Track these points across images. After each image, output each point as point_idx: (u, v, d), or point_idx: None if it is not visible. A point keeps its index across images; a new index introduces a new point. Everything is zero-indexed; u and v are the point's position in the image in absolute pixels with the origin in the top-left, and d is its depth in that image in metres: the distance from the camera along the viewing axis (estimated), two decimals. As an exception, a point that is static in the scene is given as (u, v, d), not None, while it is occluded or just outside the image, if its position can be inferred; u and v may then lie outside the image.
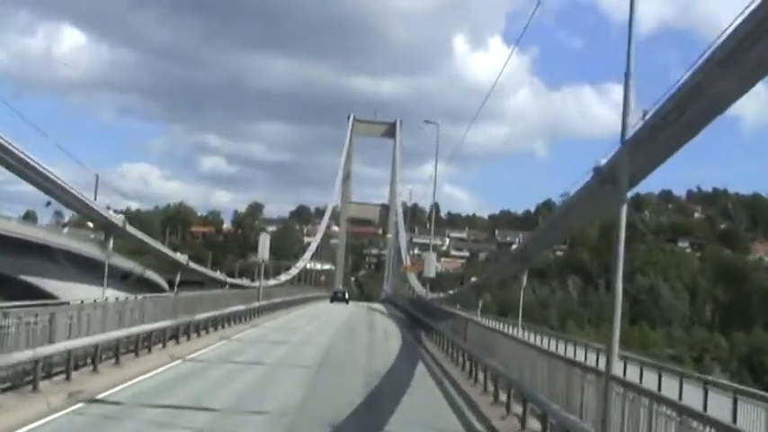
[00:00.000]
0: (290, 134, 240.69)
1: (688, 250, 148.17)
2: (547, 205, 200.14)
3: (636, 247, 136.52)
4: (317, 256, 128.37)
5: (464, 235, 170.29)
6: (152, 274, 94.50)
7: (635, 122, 14.06)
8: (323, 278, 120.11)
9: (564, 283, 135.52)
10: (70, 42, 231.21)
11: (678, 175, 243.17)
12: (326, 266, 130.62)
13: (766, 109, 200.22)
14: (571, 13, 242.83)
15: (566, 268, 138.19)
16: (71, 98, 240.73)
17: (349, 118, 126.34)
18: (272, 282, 70.32)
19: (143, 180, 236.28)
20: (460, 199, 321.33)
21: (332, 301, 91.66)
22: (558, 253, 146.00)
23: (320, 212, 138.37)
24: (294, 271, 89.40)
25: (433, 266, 56.16)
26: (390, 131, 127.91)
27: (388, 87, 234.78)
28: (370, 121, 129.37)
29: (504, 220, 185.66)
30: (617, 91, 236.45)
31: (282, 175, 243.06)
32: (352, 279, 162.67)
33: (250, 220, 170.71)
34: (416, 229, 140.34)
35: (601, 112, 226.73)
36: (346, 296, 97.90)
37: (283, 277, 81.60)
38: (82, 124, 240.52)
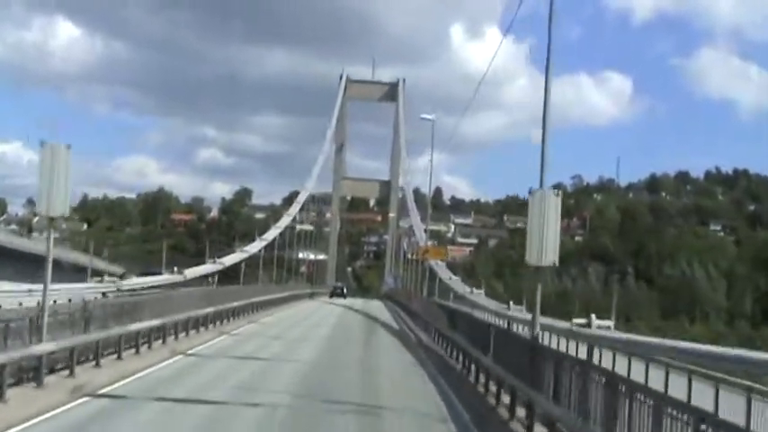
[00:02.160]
0: (286, 125, 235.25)
1: (720, 234, 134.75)
2: (557, 188, 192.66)
3: (665, 232, 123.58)
4: (310, 246, 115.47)
5: (470, 221, 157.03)
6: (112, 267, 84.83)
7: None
8: (302, 270, 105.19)
9: (584, 272, 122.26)
10: (64, 35, 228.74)
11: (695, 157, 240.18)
12: (321, 256, 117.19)
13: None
14: (569, 2, 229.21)
15: (585, 255, 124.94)
16: (66, 91, 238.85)
17: (341, 78, 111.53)
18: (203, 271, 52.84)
19: (139, 173, 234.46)
20: (460, 188, 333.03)
21: (331, 297, 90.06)
22: (577, 239, 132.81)
23: (315, 199, 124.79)
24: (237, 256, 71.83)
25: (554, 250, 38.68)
26: (391, 93, 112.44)
27: (384, 77, 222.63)
28: (366, 81, 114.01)
29: (513, 204, 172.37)
30: (614, 79, 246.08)
31: (279, 167, 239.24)
32: (349, 270, 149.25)
33: (238, 207, 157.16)
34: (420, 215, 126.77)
35: (597, 101, 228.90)
36: (344, 291, 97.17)
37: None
38: (77, 117, 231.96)
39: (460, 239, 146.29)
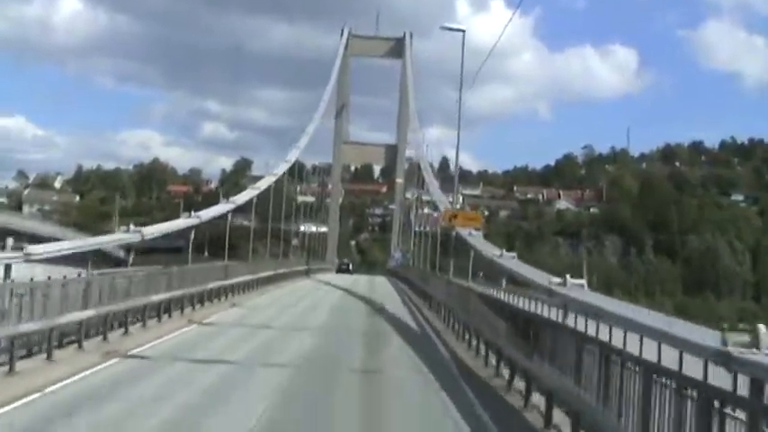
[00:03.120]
0: (290, 99, 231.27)
1: (742, 204, 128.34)
2: (568, 158, 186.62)
3: (686, 202, 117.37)
4: (312, 218, 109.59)
5: (478, 192, 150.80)
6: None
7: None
8: (294, 243, 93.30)
9: (601, 245, 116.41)
10: (67, 9, 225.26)
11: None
12: (323, 229, 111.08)
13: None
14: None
15: (602, 227, 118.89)
16: (69, 65, 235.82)
17: (343, 32, 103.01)
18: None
19: (143, 146, 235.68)
20: (466, 162, 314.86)
21: (337, 272, 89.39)
22: (593, 210, 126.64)
23: (317, 170, 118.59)
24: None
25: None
26: (397, 49, 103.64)
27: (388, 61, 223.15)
28: (370, 36, 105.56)
29: (522, 175, 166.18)
30: (619, 52, 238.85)
31: (284, 141, 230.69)
32: (353, 243, 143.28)
33: (237, 178, 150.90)
34: (425, 186, 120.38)
35: (603, 73, 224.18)
36: (350, 267, 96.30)
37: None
38: (81, 91, 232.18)
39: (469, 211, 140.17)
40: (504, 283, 29.15)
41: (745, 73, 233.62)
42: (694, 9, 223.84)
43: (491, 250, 28.21)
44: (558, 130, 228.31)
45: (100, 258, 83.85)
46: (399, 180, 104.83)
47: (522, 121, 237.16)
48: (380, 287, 62.59)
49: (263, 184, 61.28)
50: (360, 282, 68.82)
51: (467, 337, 25.27)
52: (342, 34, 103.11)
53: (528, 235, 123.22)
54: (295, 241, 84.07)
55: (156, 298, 25.87)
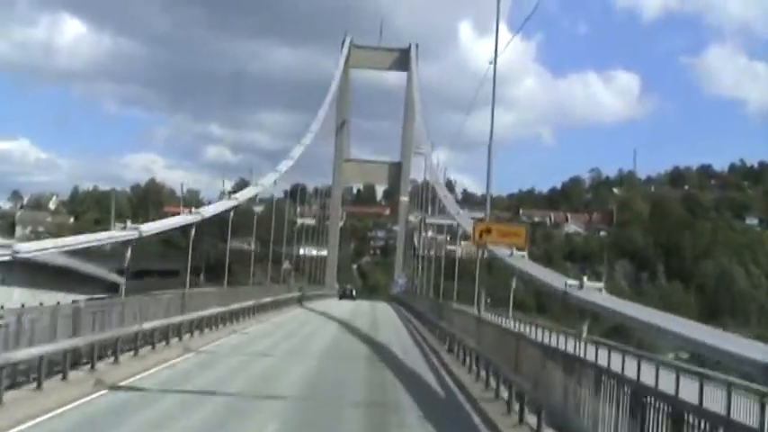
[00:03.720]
0: (294, 122, 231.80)
1: (757, 228, 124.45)
2: (574, 181, 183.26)
3: (700, 226, 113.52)
4: (313, 241, 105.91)
5: (483, 215, 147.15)
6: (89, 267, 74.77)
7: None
8: (286, 265, 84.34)
9: (611, 269, 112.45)
10: (71, 33, 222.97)
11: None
12: (323, 252, 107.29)
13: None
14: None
15: (612, 251, 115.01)
16: (73, 88, 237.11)
17: (344, 42, 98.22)
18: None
19: (146, 169, 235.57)
20: (469, 186, 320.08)
21: (340, 299, 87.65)
22: (603, 233, 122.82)
23: (319, 193, 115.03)
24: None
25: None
26: (402, 62, 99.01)
27: (392, 75, 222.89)
28: (373, 47, 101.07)
29: (528, 198, 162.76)
30: (622, 77, 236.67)
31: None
32: (354, 267, 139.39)
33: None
34: (429, 209, 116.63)
35: (605, 99, 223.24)
36: (354, 293, 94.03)
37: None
38: (85, 114, 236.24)
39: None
40: (585, 329, 21.92)
41: (749, 99, 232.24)
42: (697, 35, 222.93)
43: (550, 276, 21.49)
44: (562, 155, 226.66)
45: (90, 282, 79.94)
46: (404, 198, 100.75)
47: (525, 145, 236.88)
48: (384, 319, 55.85)
49: (246, 194, 54.32)
50: (360, 311, 63.38)
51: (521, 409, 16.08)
52: (343, 45, 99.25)
53: (536, 259, 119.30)
54: (287, 264, 77.85)
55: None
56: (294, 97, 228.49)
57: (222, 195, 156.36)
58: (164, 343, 26.11)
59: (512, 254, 23.13)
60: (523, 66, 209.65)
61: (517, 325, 37.20)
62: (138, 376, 20.13)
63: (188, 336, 29.15)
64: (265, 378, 21.94)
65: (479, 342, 23.34)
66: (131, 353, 22.80)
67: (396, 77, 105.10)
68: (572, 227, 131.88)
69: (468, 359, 25.49)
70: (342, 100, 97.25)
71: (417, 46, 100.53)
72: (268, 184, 59.28)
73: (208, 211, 43.04)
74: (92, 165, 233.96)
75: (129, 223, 29.03)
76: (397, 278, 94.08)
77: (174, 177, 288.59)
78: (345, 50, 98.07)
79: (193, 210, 38.33)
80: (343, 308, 63.97)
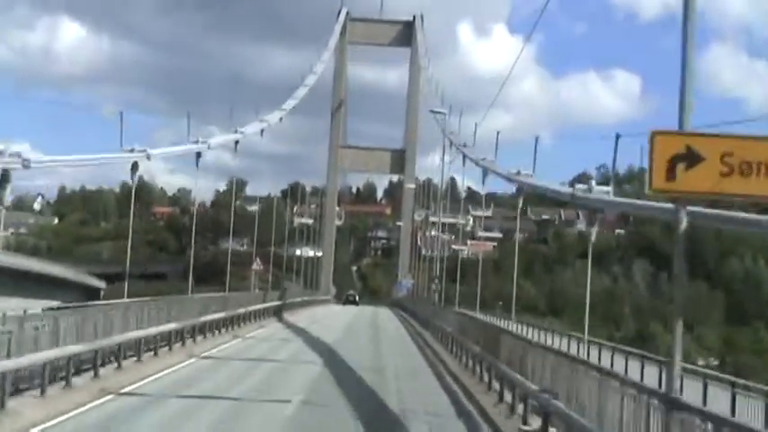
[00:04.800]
0: (294, 126, 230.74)
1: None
2: (582, 178, 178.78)
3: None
4: (310, 241, 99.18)
5: (489, 213, 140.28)
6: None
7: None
8: (255, 266, 67.12)
9: (629, 269, 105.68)
10: (70, 36, 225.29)
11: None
12: (320, 253, 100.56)
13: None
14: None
15: (629, 250, 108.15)
16: (72, 92, 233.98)
17: (339, 13, 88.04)
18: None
19: (147, 173, 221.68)
20: (470, 185, 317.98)
21: (344, 305, 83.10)
22: (619, 231, 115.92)
23: (319, 193, 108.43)
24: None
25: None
26: (404, 35, 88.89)
27: (392, 77, 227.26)
28: (371, 20, 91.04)
29: (535, 196, 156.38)
30: (621, 77, 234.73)
31: (288, 167, 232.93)
32: (354, 269, 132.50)
33: (229, 198, 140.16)
34: (433, 207, 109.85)
35: (606, 99, 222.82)
36: (357, 299, 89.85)
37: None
38: (85, 118, 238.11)
39: (481, 233, 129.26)
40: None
41: (750, 98, 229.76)
42: (698, 34, 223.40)
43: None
44: (562, 154, 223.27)
45: (65, 287, 73.04)
46: (410, 186, 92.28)
47: (525, 146, 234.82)
48: (389, 337, 42.65)
49: (251, 129, 44.91)
50: (359, 323, 51.02)
51: None
52: (338, 15, 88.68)
53: (547, 259, 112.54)
54: (256, 264, 66.48)
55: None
56: (295, 101, 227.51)
57: (217, 194, 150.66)
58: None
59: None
60: (524, 67, 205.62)
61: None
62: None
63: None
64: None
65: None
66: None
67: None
68: (585, 225, 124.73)
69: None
70: (338, 79, 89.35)
71: (422, 17, 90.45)
72: (273, 121, 51.20)
73: (215, 141, 34.95)
74: (93, 168, 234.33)
75: (137, 146, 26.48)
76: (403, 281, 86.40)
77: (176, 181, 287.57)
78: (341, 20, 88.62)
79: (200, 139, 31.52)
80: (336, 321, 51.54)
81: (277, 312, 48.29)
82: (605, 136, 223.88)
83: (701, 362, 71.39)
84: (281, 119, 56.38)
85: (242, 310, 38.07)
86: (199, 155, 31.78)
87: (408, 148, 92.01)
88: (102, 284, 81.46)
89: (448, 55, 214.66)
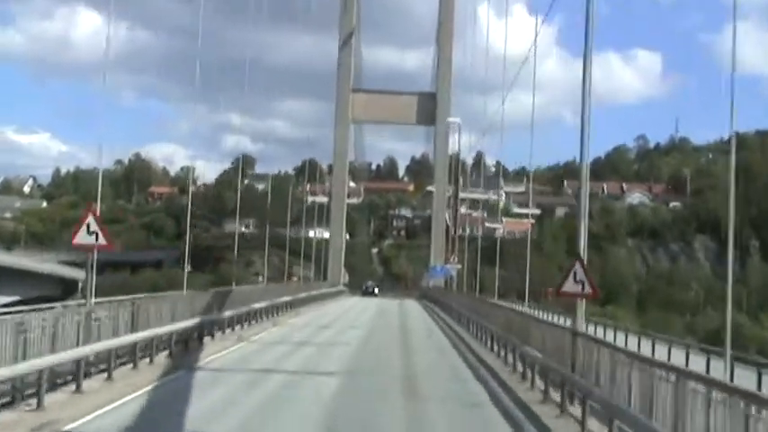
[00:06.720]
0: (313, 110, 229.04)
1: None
2: (619, 150, 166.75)
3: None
4: (321, 221, 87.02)
5: (522, 189, 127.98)
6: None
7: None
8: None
9: (689, 247, 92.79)
10: (88, 25, 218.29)
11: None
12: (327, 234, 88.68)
13: None
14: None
15: (689, 225, 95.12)
16: (91, 81, 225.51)
17: None
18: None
19: (167, 160, 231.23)
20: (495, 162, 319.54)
21: (363, 296, 75.28)
22: (674, 204, 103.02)
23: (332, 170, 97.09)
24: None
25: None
26: None
27: (412, 59, 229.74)
28: None
29: (570, 170, 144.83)
30: (642, 56, 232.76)
31: (308, 152, 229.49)
32: (375, 251, 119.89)
33: (235, 178, 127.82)
34: (462, 181, 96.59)
35: (627, 78, 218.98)
36: (376, 291, 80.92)
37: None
38: (105, 106, 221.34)
39: (517, 209, 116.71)
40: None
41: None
42: (717, 13, 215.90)
43: None
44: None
45: (33, 281, 61.83)
46: (453, 119, 68.58)
47: (547, 126, 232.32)
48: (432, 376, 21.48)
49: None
50: (375, 340, 31.41)
51: None
52: None
53: (594, 237, 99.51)
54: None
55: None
56: (313, 85, 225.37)
57: (222, 174, 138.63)
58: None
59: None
60: (545, 48, 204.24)
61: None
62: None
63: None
64: None
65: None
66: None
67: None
68: (636, 197, 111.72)
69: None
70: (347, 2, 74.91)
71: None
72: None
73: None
74: (114, 157, 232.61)
75: None
76: (436, 264, 71.27)
77: (197, 167, 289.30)
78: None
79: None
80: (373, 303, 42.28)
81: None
82: (630, 111, 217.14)
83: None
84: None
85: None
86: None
87: (440, 93, 76.64)
88: (81, 275, 69.93)
89: (470, 36, 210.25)
